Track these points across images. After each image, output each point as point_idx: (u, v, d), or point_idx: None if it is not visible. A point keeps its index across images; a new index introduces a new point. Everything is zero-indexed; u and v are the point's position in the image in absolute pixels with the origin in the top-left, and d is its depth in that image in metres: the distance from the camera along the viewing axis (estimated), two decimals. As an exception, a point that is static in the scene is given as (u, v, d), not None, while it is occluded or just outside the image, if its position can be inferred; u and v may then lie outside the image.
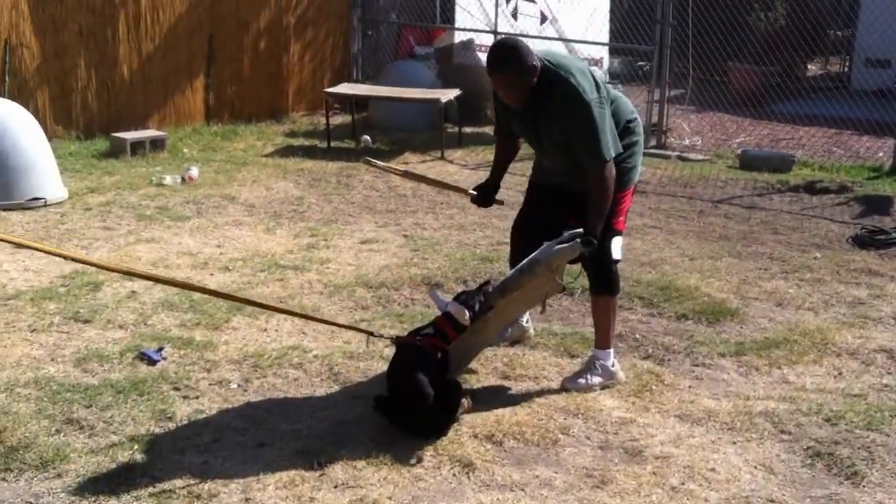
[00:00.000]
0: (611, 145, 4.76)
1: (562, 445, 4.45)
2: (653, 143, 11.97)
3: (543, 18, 13.25)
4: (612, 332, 5.21)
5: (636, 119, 5.12)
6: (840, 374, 5.38)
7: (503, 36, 12.93)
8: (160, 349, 5.25)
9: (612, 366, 5.14)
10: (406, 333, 4.92)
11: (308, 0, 13.51)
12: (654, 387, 5.11)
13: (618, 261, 5.05)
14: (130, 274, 5.13)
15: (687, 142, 12.27)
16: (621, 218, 5.03)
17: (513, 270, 4.89)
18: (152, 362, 5.12)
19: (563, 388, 5.03)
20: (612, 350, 5.18)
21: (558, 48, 13.06)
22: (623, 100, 5.10)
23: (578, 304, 6.34)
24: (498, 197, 5.41)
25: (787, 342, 5.76)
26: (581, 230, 4.69)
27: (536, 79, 4.71)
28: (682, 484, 4.13)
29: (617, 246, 4.98)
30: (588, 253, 4.69)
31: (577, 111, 4.70)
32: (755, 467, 4.31)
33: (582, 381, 5.05)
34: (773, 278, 6.99)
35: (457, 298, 4.78)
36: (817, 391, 5.11)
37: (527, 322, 5.64)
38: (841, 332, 5.92)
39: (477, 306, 4.73)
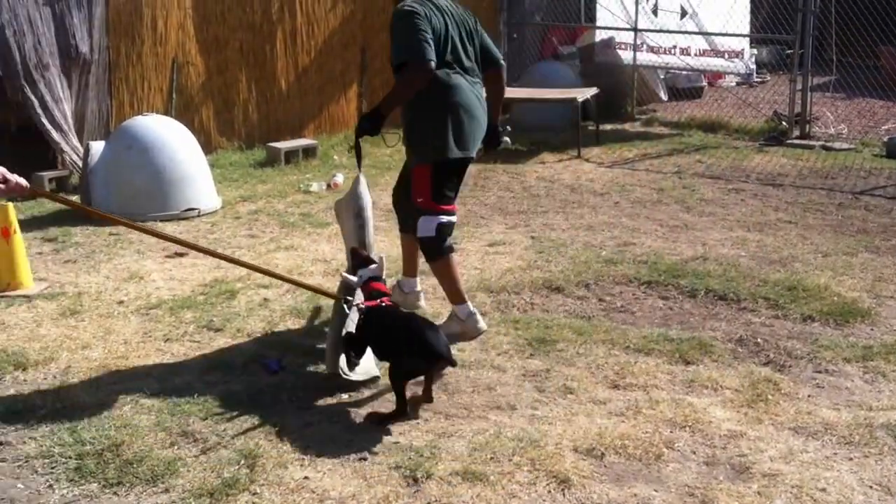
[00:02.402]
0: (414, 49, 4.80)
1: (665, 461, 4.10)
2: (796, 133, 11.26)
3: (683, 13, 12.67)
4: (456, 286, 5.22)
5: (467, 104, 5.19)
6: (974, 381, 4.83)
7: (644, 33, 12.48)
8: (280, 359, 5.15)
9: (467, 317, 5.18)
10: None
11: (455, 7, 13.32)
12: (769, 396, 4.68)
13: (426, 238, 5.09)
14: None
15: (832, 130, 11.49)
16: (420, 199, 5.08)
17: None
18: (272, 372, 5.03)
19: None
20: (466, 304, 5.21)
21: (698, 42, 12.52)
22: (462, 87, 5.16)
23: (700, 306, 5.94)
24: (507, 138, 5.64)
25: (919, 345, 5.22)
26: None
27: None
28: (788, 506, 3.74)
29: (424, 226, 5.06)
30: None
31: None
32: (870, 487, 3.86)
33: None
34: (911, 275, 6.40)
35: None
36: (947, 401, 4.59)
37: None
38: (979, 333, 5.33)
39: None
